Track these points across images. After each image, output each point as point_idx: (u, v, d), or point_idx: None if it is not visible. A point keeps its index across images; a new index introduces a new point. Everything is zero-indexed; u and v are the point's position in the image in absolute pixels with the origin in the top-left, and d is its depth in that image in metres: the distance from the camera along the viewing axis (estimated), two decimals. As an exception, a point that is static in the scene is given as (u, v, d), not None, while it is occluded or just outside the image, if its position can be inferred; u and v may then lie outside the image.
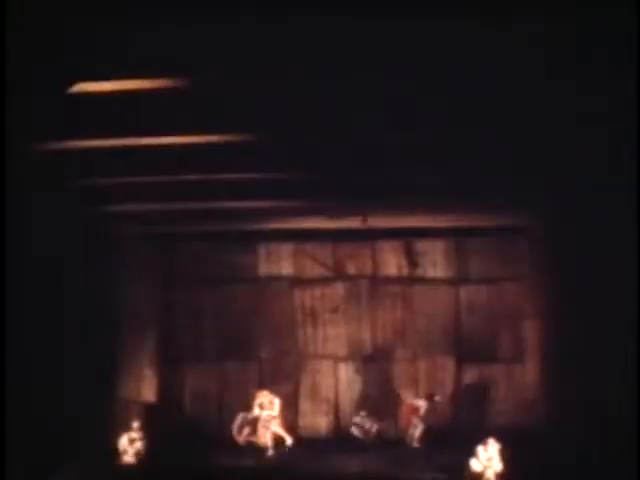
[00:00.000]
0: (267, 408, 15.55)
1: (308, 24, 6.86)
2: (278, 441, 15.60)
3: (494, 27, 6.87)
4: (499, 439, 13.27)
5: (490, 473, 12.94)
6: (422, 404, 16.25)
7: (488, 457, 13.01)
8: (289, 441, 15.45)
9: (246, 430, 16.25)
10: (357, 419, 16.63)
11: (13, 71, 7.22)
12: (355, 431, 16.48)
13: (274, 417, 15.58)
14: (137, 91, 8.16)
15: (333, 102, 8.87)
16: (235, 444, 16.10)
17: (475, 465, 13.01)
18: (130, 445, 14.51)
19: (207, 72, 7.95)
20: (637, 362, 10.94)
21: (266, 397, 15.69)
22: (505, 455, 13.08)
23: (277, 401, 15.71)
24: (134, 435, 14.59)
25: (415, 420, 16.18)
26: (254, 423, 16.07)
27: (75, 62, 7.48)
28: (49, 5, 6.59)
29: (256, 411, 15.65)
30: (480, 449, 13.10)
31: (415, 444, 16.04)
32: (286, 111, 9.06)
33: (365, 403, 17.31)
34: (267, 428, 15.45)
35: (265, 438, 15.44)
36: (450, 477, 13.26)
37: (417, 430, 16.12)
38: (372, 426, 16.43)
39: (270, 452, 15.39)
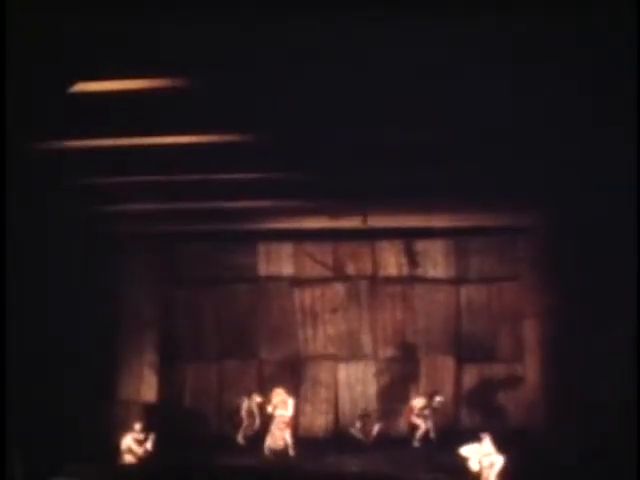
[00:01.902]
0: (280, 408, 15.51)
1: (308, 24, 6.86)
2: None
3: (494, 27, 6.87)
4: (499, 439, 13.26)
5: (488, 472, 12.83)
6: (421, 404, 16.23)
7: (486, 453, 12.89)
8: (291, 452, 15.40)
9: (244, 429, 16.28)
10: (357, 419, 16.65)
11: (13, 71, 7.22)
12: (355, 431, 16.48)
13: (288, 417, 15.55)
14: (137, 91, 8.16)
15: (333, 102, 8.87)
16: (235, 444, 16.13)
17: (473, 465, 12.92)
18: (137, 446, 14.48)
19: (207, 72, 7.96)
20: (637, 362, 10.94)
21: (280, 396, 15.66)
22: (505, 455, 13.05)
23: (291, 401, 15.69)
24: (139, 437, 14.56)
25: (416, 420, 16.18)
26: (254, 417, 16.21)
27: (75, 62, 7.48)
28: (49, 5, 6.59)
29: (269, 409, 15.61)
30: (476, 447, 13.02)
31: (415, 444, 16.04)
32: (286, 111, 9.05)
33: (365, 403, 17.34)
34: (281, 429, 15.40)
35: (279, 440, 15.39)
36: (450, 477, 13.25)
37: (418, 430, 16.12)
38: (372, 426, 16.44)
39: (271, 452, 15.38)
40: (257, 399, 16.44)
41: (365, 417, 16.58)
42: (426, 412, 16.14)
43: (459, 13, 6.59)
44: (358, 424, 16.52)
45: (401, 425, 16.89)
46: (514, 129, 9.58)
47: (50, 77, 7.76)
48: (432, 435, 16.10)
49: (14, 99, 7.75)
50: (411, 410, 16.34)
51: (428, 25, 6.88)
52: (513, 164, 11.36)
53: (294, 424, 16.26)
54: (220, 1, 6.65)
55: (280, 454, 15.31)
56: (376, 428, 16.43)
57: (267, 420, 15.85)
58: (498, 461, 12.79)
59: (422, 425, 16.12)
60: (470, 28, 6.87)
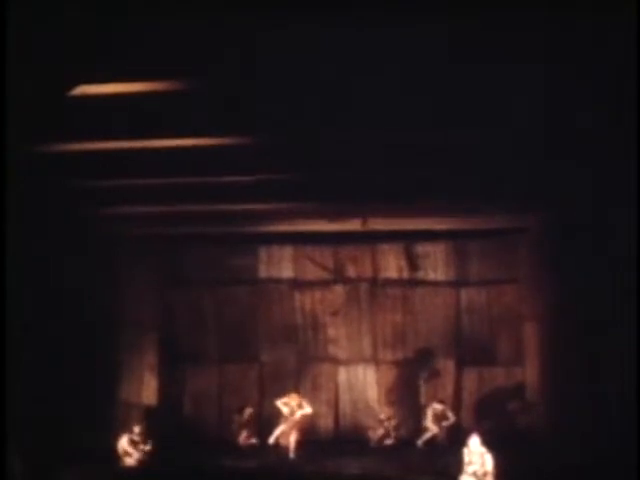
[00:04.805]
0: (297, 411, 15.52)
1: (308, 24, 6.88)
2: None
3: (494, 27, 6.89)
4: (500, 440, 13.24)
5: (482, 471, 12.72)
6: (438, 410, 16.25)
7: (480, 453, 12.81)
8: (291, 455, 15.41)
9: (244, 432, 16.27)
10: (377, 423, 16.65)
11: (13, 71, 7.23)
12: (372, 434, 16.52)
13: (309, 415, 15.69)
14: (139, 93, 8.18)
15: (333, 104, 8.89)
16: (235, 445, 16.11)
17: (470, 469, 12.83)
18: (134, 448, 14.48)
19: (207, 72, 7.97)
20: (637, 362, 10.94)
21: (295, 400, 15.68)
22: (505, 456, 13.02)
23: (305, 403, 15.70)
24: (135, 438, 14.57)
25: (428, 424, 16.21)
26: (251, 425, 16.24)
27: (75, 63, 7.50)
28: (49, 5, 6.61)
29: (284, 409, 15.61)
30: (465, 451, 12.97)
31: (419, 444, 16.04)
32: (286, 113, 9.07)
33: (365, 406, 17.37)
34: (291, 428, 15.41)
35: (289, 438, 15.41)
36: None
37: (427, 433, 16.14)
38: (391, 430, 16.48)
39: (276, 447, 15.39)
40: (249, 411, 16.46)
41: (385, 421, 16.58)
42: (442, 421, 16.16)
43: (459, 13, 6.61)
44: (380, 430, 16.51)
45: (402, 427, 16.87)
46: (514, 130, 9.59)
47: (50, 78, 7.77)
48: (439, 440, 16.07)
49: (14, 100, 7.76)
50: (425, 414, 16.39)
51: (428, 25, 6.89)
52: (513, 165, 11.36)
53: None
54: (220, 1, 6.66)
55: (281, 455, 15.31)
56: (391, 427, 16.47)
57: (273, 421, 15.89)
58: (488, 460, 12.71)
59: (433, 429, 16.12)
60: (470, 28, 6.89)
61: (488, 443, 12.85)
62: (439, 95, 8.61)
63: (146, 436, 14.73)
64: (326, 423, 17.51)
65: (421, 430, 16.44)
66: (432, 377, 17.29)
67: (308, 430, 16.22)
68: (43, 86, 8.03)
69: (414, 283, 17.62)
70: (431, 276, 17.60)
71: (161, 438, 15.20)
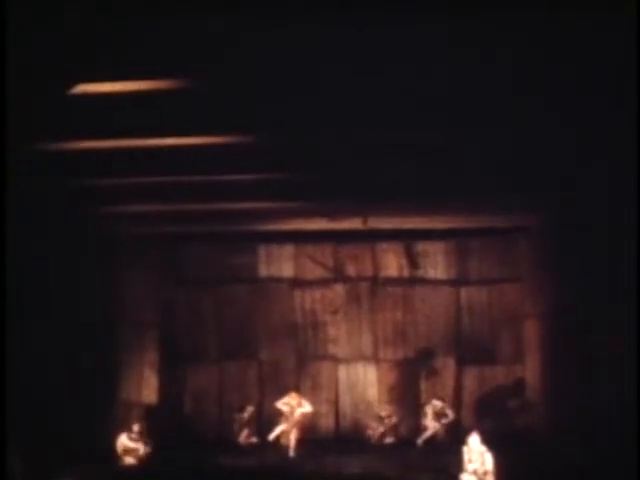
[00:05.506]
0: (297, 409, 15.56)
1: (308, 25, 6.87)
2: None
3: (494, 27, 6.89)
4: (500, 440, 13.23)
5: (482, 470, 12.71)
6: (437, 408, 16.29)
7: (480, 451, 12.81)
8: (292, 453, 15.43)
9: (245, 431, 16.30)
10: (376, 420, 16.66)
11: (13, 71, 7.23)
12: (372, 432, 16.53)
13: (309, 413, 15.79)
14: (137, 92, 8.17)
15: (333, 103, 8.88)
16: (235, 444, 16.13)
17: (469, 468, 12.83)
18: (133, 444, 14.50)
19: (207, 72, 7.97)
20: (637, 362, 10.94)
21: (294, 399, 15.72)
22: (506, 456, 13.03)
23: (305, 402, 15.76)
24: (135, 436, 14.58)
25: (427, 422, 16.25)
26: (251, 423, 16.26)
27: (75, 62, 7.49)
28: (49, 5, 6.60)
29: (284, 408, 15.67)
30: (465, 449, 12.97)
31: (419, 442, 16.06)
32: (286, 111, 9.06)
33: (365, 404, 17.38)
34: (292, 426, 15.43)
35: (290, 437, 15.44)
36: (450, 478, 13.22)
37: (426, 431, 16.17)
38: (386, 425, 16.49)
39: (277, 447, 15.42)
40: (250, 409, 16.50)
41: (385, 419, 16.58)
42: (441, 419, 16.20)
43: (459, 13, 6.60)
44: (381, 428, 16.52)
45: (402, 426, 16.88)
46: (514, 129, 9.59)
47: (50, 77, 7.76)
48: (439, 438, 16.11)
49: (14, 99, 7.76)
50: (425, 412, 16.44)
51: (428, 25, 6.89)
52: (513, 164, 11.36)
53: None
54: (220, 1, 6.66)
55: (282, 453, 15.33)
56: (392, 423, 16.48)
57: (273, 420, 15.90)
58: (488, 459, 12.70)
59: (432, 427, 16.16)
60: (470, 28, 6.88)
61: (488, 442, 12.86)
62: (439, 95, 8.60)
63: (145, 434, 14.75)
64: (326, 422, 17.52)
65: (421, 429, 16.49)
66: (432, 376, 17.32)
67: (308, 429, 16.27)
68: (43, 86, 8.02)
69: (414, 282, 17.63)
70: (431, 275, 17.61)
71: (161, 437, 15.21)
